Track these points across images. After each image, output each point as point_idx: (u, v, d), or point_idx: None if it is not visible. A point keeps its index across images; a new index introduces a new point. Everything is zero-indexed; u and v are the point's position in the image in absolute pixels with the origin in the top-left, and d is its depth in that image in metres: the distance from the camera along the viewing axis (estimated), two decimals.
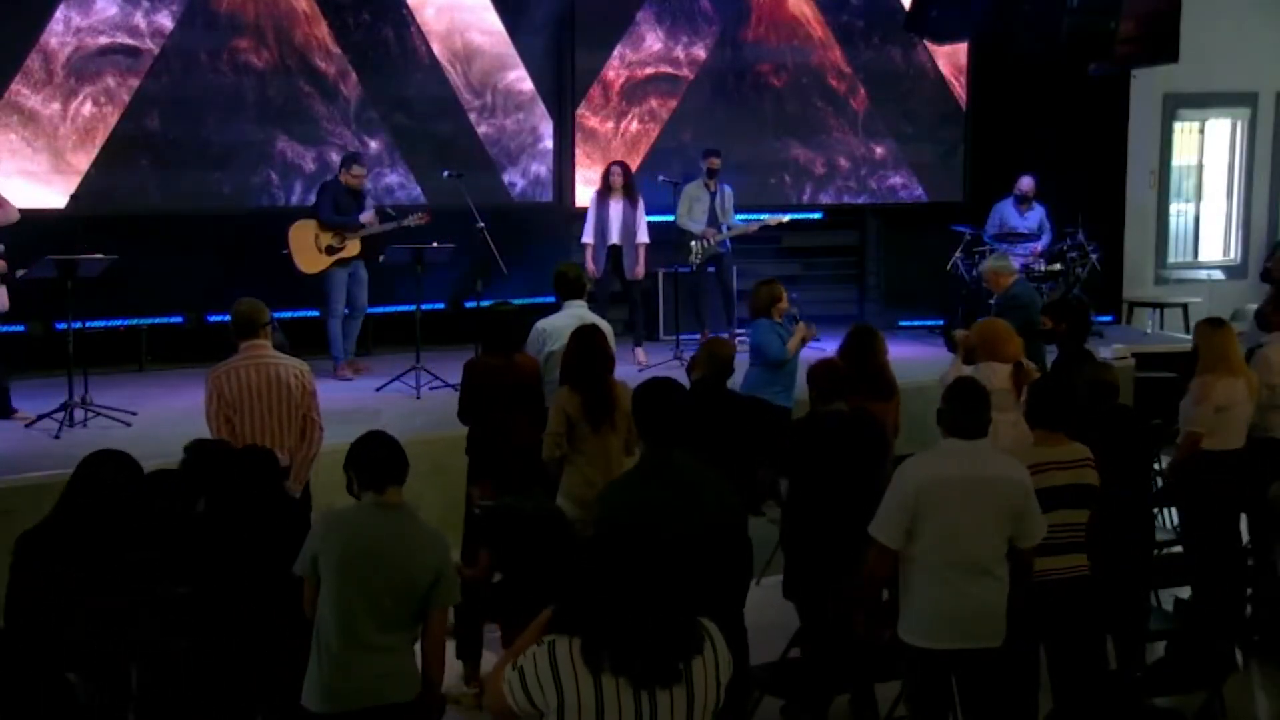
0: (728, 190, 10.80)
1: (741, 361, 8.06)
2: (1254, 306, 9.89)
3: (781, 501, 7.89)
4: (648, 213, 10.80)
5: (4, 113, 9.50)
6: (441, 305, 10.54)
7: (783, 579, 5.61)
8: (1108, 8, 10.37)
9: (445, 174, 10.01)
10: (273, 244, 9.50)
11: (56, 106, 9.66)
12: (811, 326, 7.98)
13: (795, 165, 12.15)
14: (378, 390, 9.15)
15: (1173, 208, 13.80)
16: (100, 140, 9.80)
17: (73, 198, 8.67)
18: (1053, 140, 11.80)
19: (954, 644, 4.54)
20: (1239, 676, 5.99)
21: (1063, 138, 11.89)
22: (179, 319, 10.13)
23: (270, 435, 5.77)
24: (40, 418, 7.98)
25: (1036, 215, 11.42)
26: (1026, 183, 11.35)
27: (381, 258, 9.46)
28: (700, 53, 11.77)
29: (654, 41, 11.65)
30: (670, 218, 10.83)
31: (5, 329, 8.63)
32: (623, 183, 10.27)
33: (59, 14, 9.59)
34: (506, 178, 11.30)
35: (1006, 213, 11.43)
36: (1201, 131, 13.87)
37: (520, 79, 11.26)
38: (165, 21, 9.91)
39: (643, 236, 10.29)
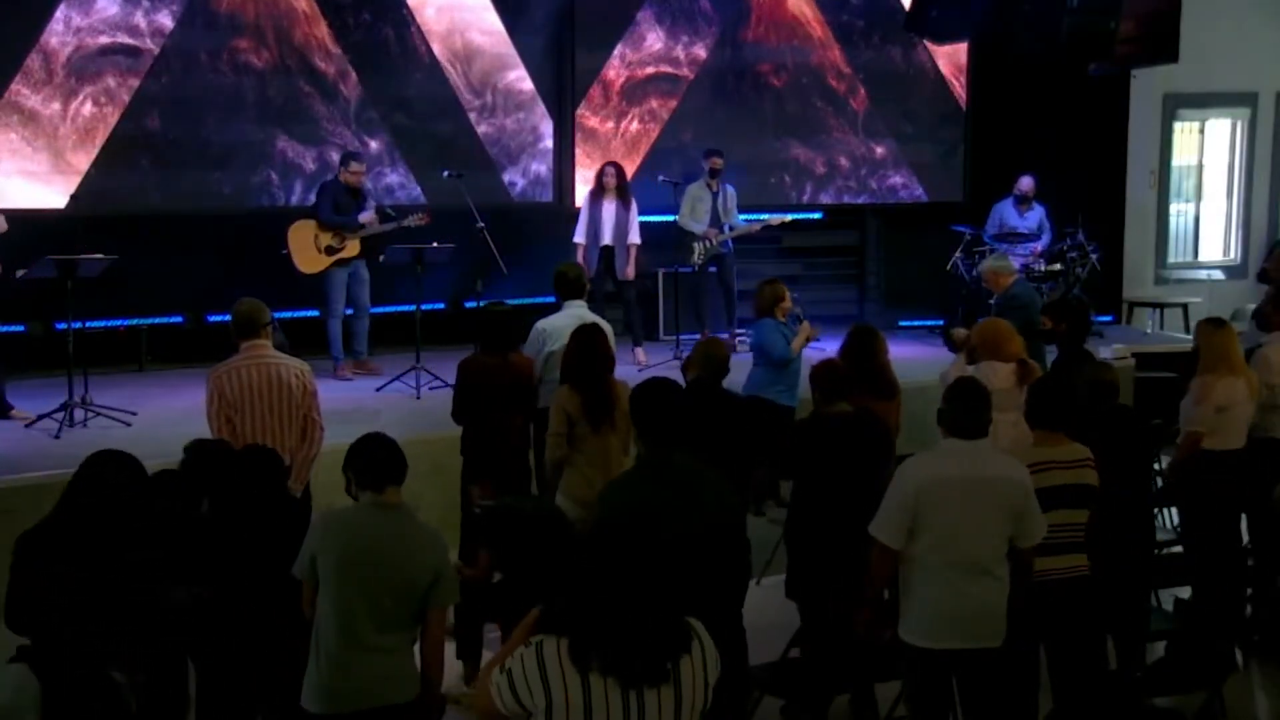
0: (730, 190, 10.80)
1: (743, 361, 8.08)
2: (1253, 306, 9.89)
3: (780, 501, 7.94)
4: (648, 213, 10.80)
5: (4, 112, 9.49)
6: (441, 305, 10.54)
7: (786, 579, 5.62)
8: (1108, 8, 10.37)
9: (445, 174, 10.01)
10: (273, 244, 9.50)
11: (56, 106, 9.66)
12: (814, 327, 8.00)
13: (795, 165, 12.15)
14: (378, 390, 9.15)
15: (1173, 208, 13.80)
16: (100, 140, 9.80)
17: (73, 198, 8.67)
18: (1053, 140, 11.80)
19: (954, 644, 4.54)
20: (1239, 676, 5.99)
21: (1063, 138, 11.89)
22: (179, 319, 10.13)
23: (271, 435, 5.77)
24: (40, 418, 7.98)
25: (1036, 215, 11.42)
26: (1026, 183, 11.35)
27: (381, 258, 9.46)
28: (700, 52, 11.77)
29: (654, 41, 11.65)
30: (670, 217, 10.83)
31: (4, 329, 8.64)
32: (616, 183, 10.26)
33: (59, 13, 9.59)
34: (506, 177, 11.31)
35: (1006, 213, 11.43)
36: (1201, 131, 13.87)
37: (520, 79, 11.26)
38: (165, 21, 9.91)
39: (634, 237, 10.28)
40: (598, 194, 10.30)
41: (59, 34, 9.62)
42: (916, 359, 10.19)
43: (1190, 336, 9.83)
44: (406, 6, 10.74)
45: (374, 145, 10.69)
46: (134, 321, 9.97)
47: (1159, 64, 11.41)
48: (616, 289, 10.37)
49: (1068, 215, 11.43)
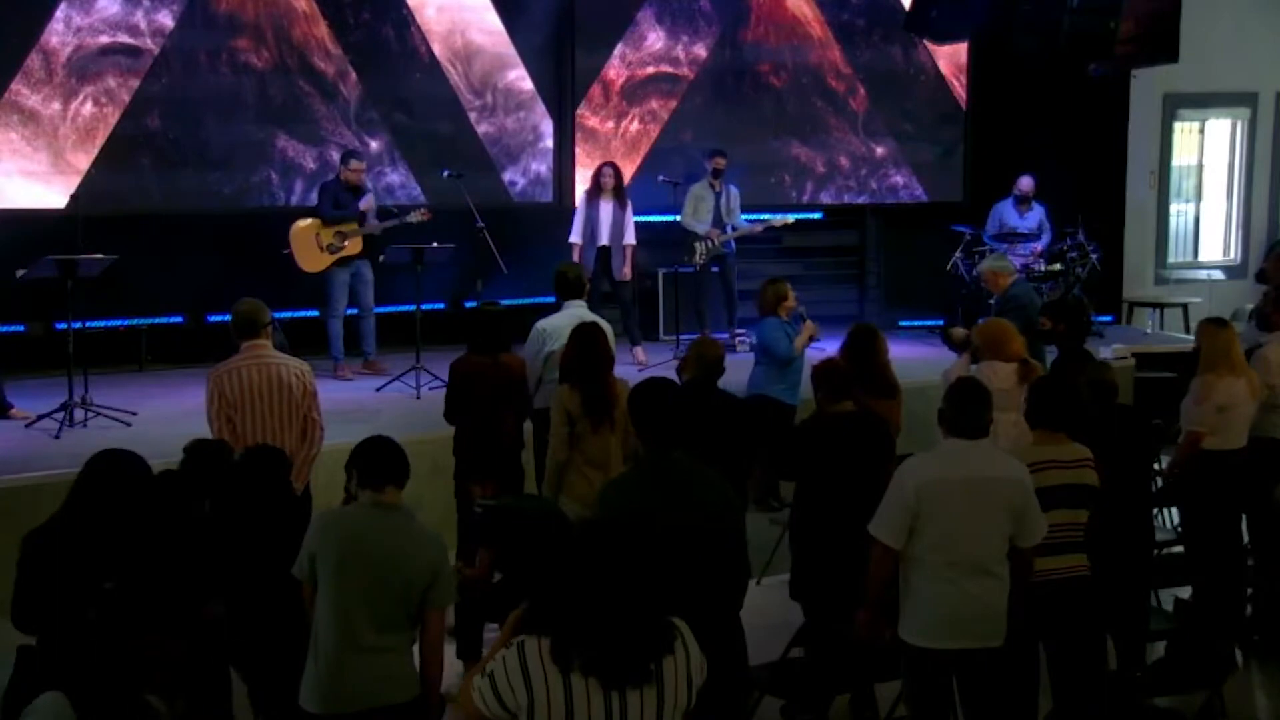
0: (734, 191, 10.80)
1: (743, 361, 8.08)
2: (1251, 306, 9.90)
3: (781, 502, 7.94)
4: (648, 213, 10.80)
5: (4, 112, 9.50)
6: (441, 305, 10.54)
7: (790, 578, 5.62)
8: (1108, 8, 10.37)
9: (445, 174, 10.01)
10: (273, 244, 9.50)
11: (57, 106, 9.66)
12: (816, 326, 8.01)
13: (795, 165, 12.16)
14: (378, 390, 9.16)
15: (1173, 208, 13.79)
16: (100, 140, 9.80)
17: (73, 198, 8.66)
18: (1052, 140, 11.80)
19: (954, 644, 4.54)
20: (1239, 676, 6.00)
21: (1062, 138, 11.89)
22: (179, 319, 10.14)
23: (271, 435, 5.77)
24: (40, 418, 7.98)
25: (1036, 215, 11.42)
26: (1026, 183, 11.35)
27: (382, 258, 9.47)
28: (700, 52, 11.77)
29: (654, 41, 11.65)
30: (670, 217, 10.84)
31: (4, 329, 8.64)
32: (613, 184, 10.26)
33: (59, 13, 9.59)
34: (507, 177, 11.31)
35: (1006, 213, 11.43)
36: (1201, 131, 13.87)
37: (520, 78, 11.26)
38: (165, 21, 9.91)
39: (630, 238, 10.28)
40: (594, 194, 10.29)
41: (59, 33, 9.62)
42: (916, 359, 10.19)
43: (1190, 336, 9.84)
44: (406, 6, 10.74)
45: (374, 145, 10.69)
46: (134, 321, 9.97)
47: (1159, 64, 11.41)
48: (613, 289, 10.37)
49: (1068, 215, 11.43)
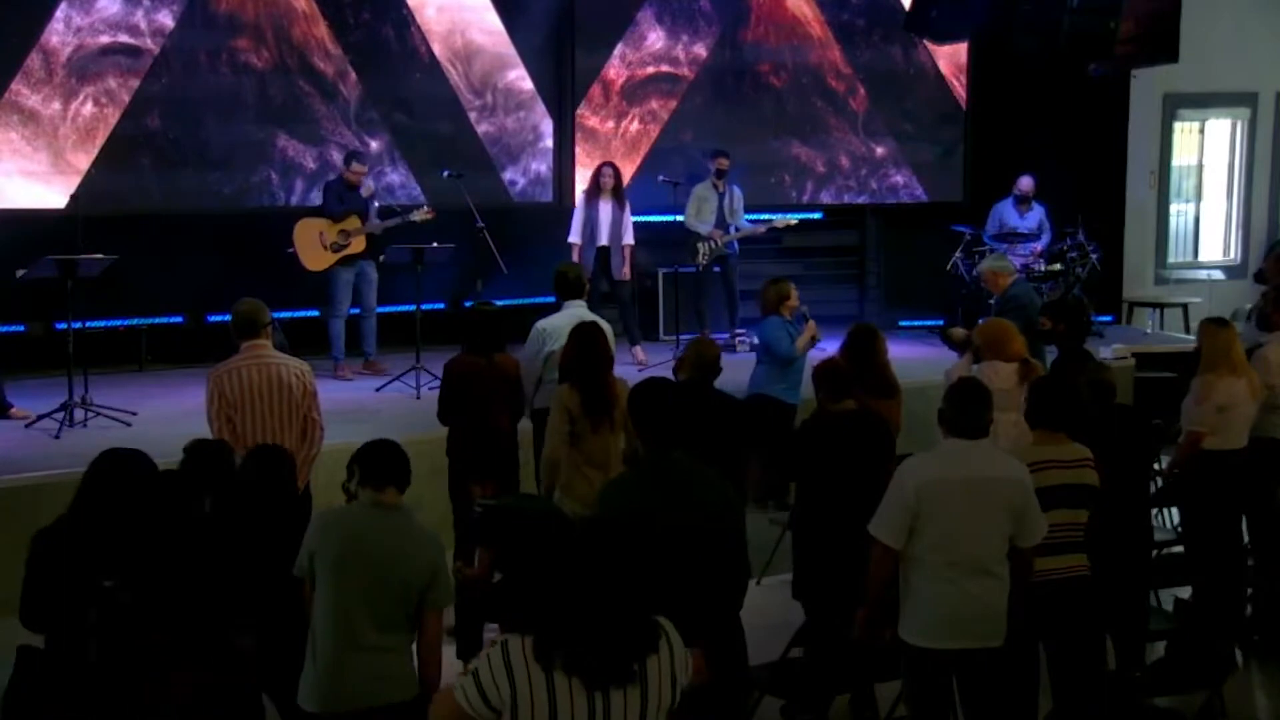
0: (737, 191, 10.81)
1: (743, 361, 8.08)
2: (1250, 306, 9.90)
3: (777, 499, 7.94)
4: (648, 213, 10.80)
5: (4, 112, 9.49)
6: (441, 305, 10.53)
7: (793, 578, 5.62)
8: (1108, 8, 10.37)
9: (445, 174, 10.01)
10: (273, 244, 9.50)
11: (57, 106, 9.66)
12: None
13: (795, 165, 12.16)
14: (378, 390, 9.16)
15: (1173, 208, 13.79)
16: (100, 140, 9.80)
17: (73, 198, 8.66)
18: (1053, 140, 11.80)
19: (954, 644, 4.54)
20: (1239, 676, 6.00)
21: (1063, 138, 11.89)
22: (179, 319, 10.14)
23: (271, 435, 5.77)
24: (40, 417, 7.98)
25: (1036, 215, 11.42)
26: (1026, 183, 11.35)
27: (382, 257, 9.47)
28: (700, 52, 11.77)
29: (654, 41, 11.65)
30: (670, 217, 10.84)
31: (4, 329, 8.63)
32: (613, 184, 10.25)
33: (60, 13, 9.59)
34: (507, 177, 11.30)
35: (1006, 213, 11.43)
36: (1201, 131, 13.86)
37: (520, 78, 11.26)
38: (165, 20, 9.91)
39: (629, 238, 10.28)
40: (593, 194, 10.28)
41: (59, 33, 9.62)
42: (916, 359, 10.19)
43: (1190, 336, 9.84)
44: (406, 6, 10.74)
45: (374, 145, 10.69)
46: (134, 321, 9.97)
47: (1159, 64, 11.41)
48: (612, 289, 10.37)
49: (1067, 215, 11.43)
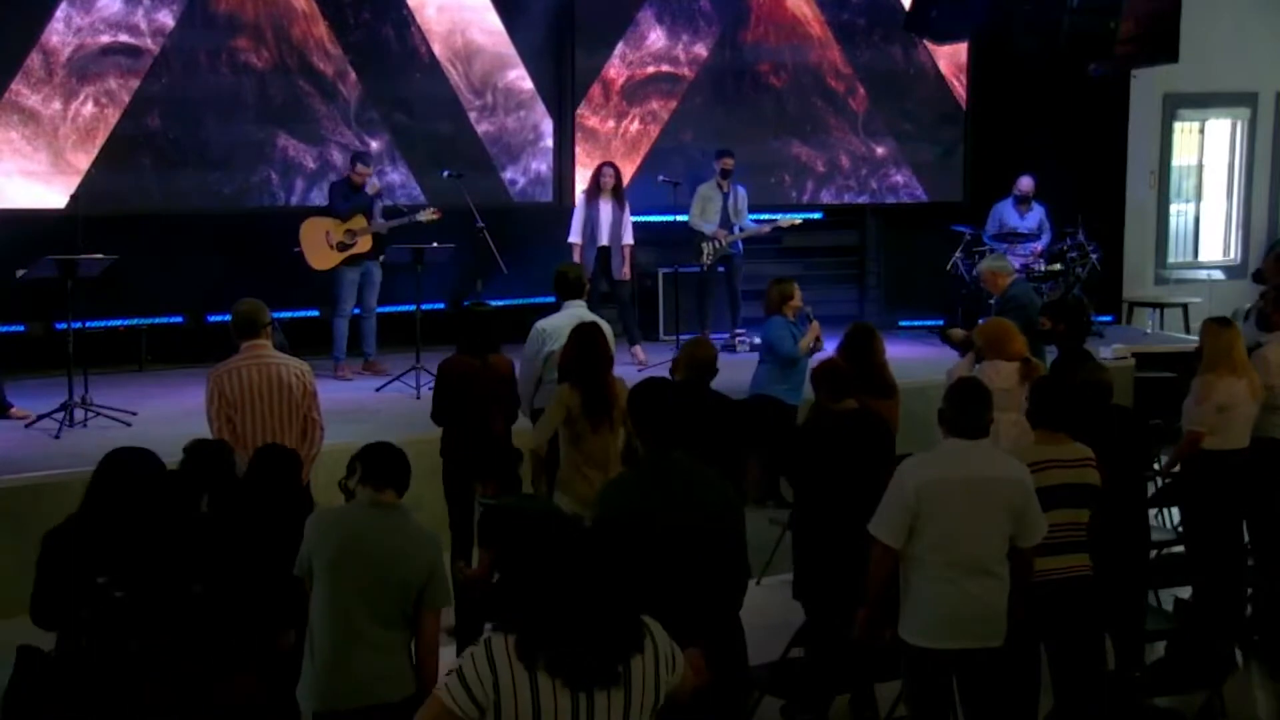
0: (741, 192, 10.82)
1: (744, 361, 8.07)
2: (1249, 306, 9.90)
3: (777, 499, 7.94)
4: (648, 213, 10.79)
5: (4, 112, 9.49)
6: (441, 305, 10.54)
7: (792, 578, 5.62)
8: (1108, 8, 10.37)
9: (445, 174, 10.02)
10: (273, 244, 9.51)
11: (57, 106, 9.66)
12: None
13: (796, 165, 12.16)
14: (378, 390, 9.16)
15: (1173, 208, 13.79)
16: (100, 140, 9.80)
17: (73, 198, 8.66)
18: (1053, 140, 11.80)
19: (954, 644, 4.54)
20: (1239, 676, 5.99)
21: (1062, 138, 11.89)
22: (179, 319, 10.14)
23: (271, 435, 5.77)
24: (40, 417, 7.98)
25: (1036, 215, 11.42)
26: (1026, 183, 11.35)
27: (382, 257, 9.47)
28: (701, 52, 11.77)
29: (654, 41, 11.65)
30: (670, 217, 10.84)
31: (4, 329, 8.63)
32: (613, 184, 10.25)
33: (60, 12, 9.59)
34: (507, 177, 11.30)
35: (1006, 213, 11.43)
36: (1201, 131, 13.86)
37: (520, 78, 11.26)
38: (166, 20, 9.91)
39: (628, 238, 10.28)
40: (593, 194, 10.29)
41: (60, 33, 9.62)
42: (916, 359, 10.20)
43: (1190, 336, 9.84)
44: (406, 6, 10.74)
45: (374, 145, 10.68)
46: (134, 321, 9.97)
47: (1159, 64, 11.41)
48: (611, 289, 10.37)
49: (1067, 215, 11.43)
